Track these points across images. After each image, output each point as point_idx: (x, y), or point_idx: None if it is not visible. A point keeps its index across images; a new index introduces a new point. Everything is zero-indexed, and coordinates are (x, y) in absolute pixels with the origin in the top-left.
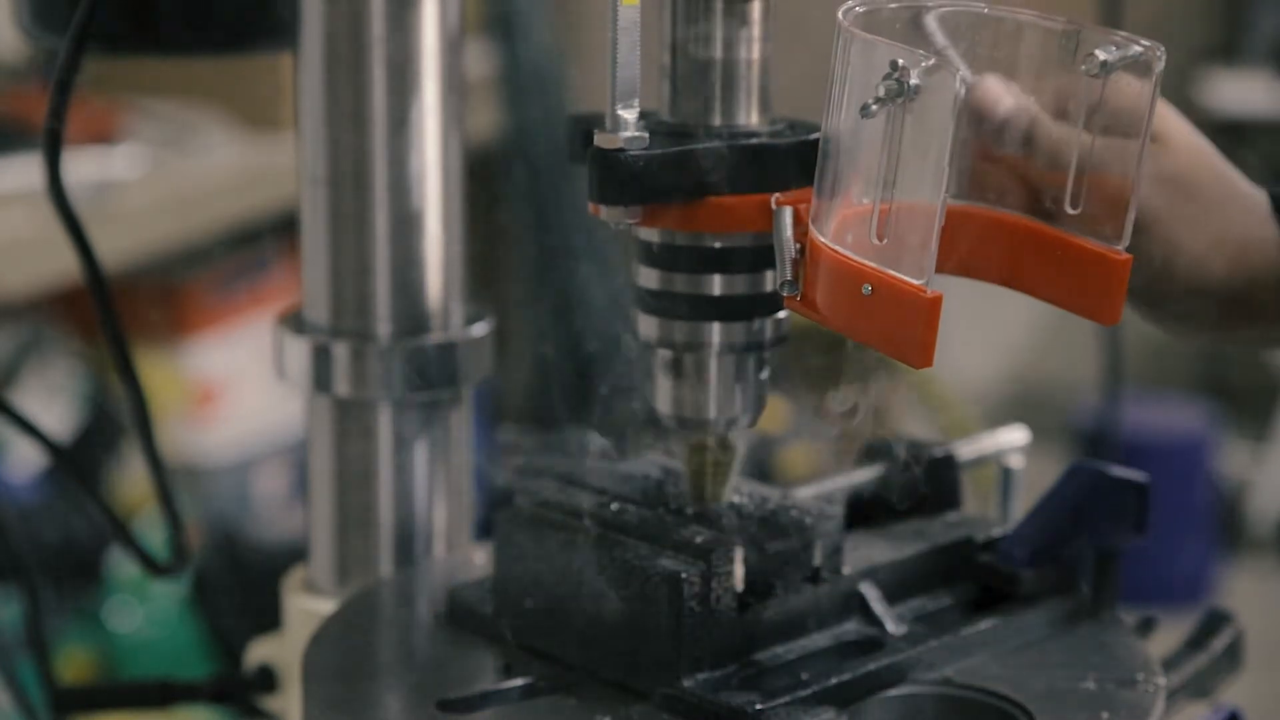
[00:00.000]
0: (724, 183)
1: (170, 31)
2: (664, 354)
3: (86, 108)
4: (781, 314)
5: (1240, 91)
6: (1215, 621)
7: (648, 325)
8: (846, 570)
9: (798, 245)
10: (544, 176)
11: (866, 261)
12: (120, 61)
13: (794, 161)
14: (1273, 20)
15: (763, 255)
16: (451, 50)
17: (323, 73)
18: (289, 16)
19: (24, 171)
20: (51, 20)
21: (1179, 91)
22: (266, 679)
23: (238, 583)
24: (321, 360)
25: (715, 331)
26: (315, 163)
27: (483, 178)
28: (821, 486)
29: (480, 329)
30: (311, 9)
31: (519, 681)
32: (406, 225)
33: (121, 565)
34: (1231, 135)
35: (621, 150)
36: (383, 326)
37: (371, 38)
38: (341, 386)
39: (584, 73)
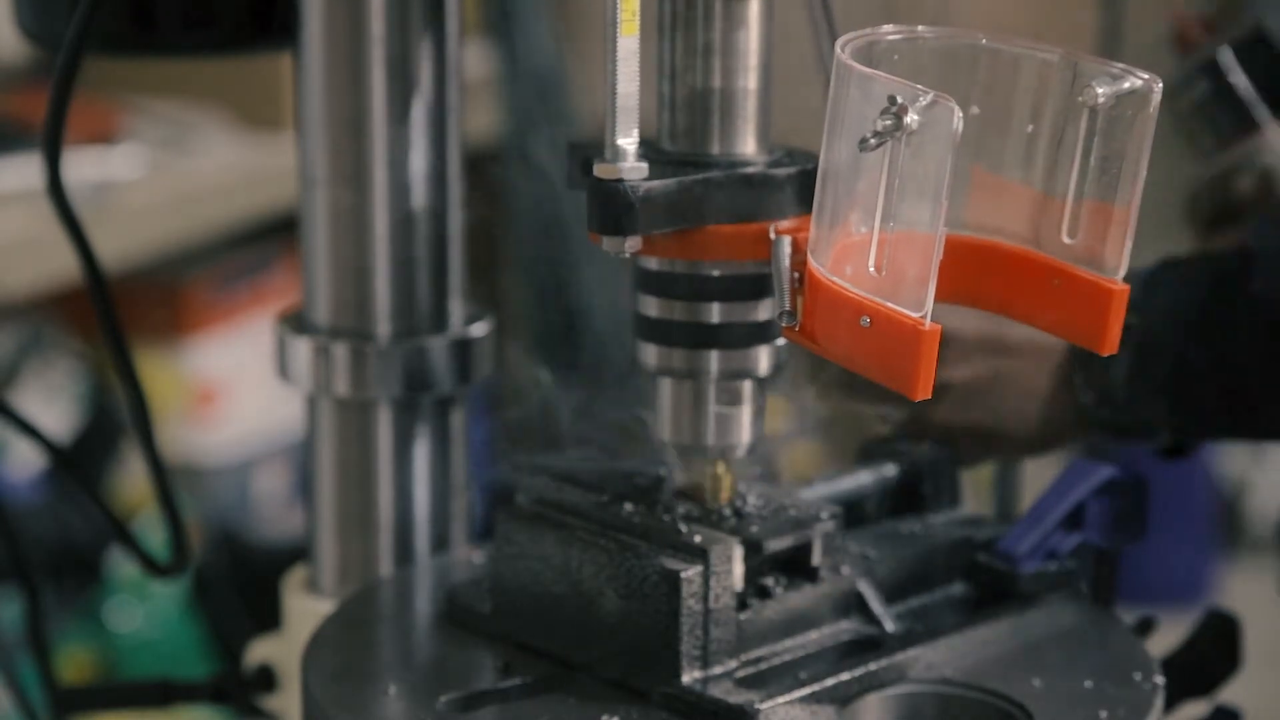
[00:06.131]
0: (723, 212)
1: (170, 31)
2: (663, 381)
3: (86, 108)
4: (780, 342)
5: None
6: (1215, 621)
7: (647, 352)
8: (846, 570)
9: (796, 274)
10: (543, 176)
11: (865, 294)
12: (120, 61)
13: (792, 191)
14: (1273, 21)
15: (761, 284)
16: (451, 50)
17: (323, 73)
18: (289, 16)
19: (24, 171)
20: (51, 20)
21: None
22: (266, 679)
23: (238, 583)
24: (321, 360)
25: (713, 359)
26: (315, 163)
27: (483, 178)
28: (822, 486)
29: (480, 329)
30: (311, 9)
31: (519, 681)
32: (406, 225)
33: (121, 565)
34: None
35: (620, 180)
36: (383, 326)
37: (371, 38)
38: (341, 386)
39: (584, 73)
